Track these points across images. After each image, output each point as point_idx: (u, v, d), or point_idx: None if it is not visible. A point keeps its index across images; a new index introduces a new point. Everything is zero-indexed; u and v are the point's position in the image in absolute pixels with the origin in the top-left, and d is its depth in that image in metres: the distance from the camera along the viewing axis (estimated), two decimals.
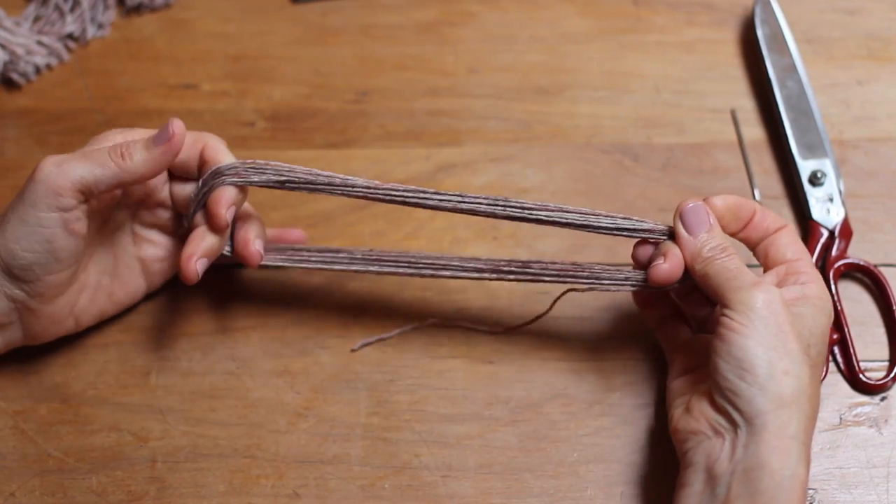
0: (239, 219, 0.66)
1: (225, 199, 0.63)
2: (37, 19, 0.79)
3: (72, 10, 0.79)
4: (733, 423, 0.56)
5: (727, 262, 0.59)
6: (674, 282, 0.61)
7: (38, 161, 0.61)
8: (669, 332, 0.65)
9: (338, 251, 0.66)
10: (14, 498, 0.64)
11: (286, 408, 0.66)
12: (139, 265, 0.67)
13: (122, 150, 0.62)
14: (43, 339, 0.65)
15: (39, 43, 0.78)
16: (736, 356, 0.56)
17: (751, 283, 0.58)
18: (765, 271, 0.62)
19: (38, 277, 0.62)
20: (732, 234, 0.63)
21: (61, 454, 0.65)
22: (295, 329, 0.69)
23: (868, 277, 0.70)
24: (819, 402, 0.58)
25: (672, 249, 0.61)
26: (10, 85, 0.78)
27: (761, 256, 0.62)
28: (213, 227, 0.63)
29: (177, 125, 0.62)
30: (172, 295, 0.70)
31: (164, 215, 0.66)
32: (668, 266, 0.60)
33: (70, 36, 0.79)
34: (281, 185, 0.63)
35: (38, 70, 0.78)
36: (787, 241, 0.62)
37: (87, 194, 0.61)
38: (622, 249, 0.71)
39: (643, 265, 0.62)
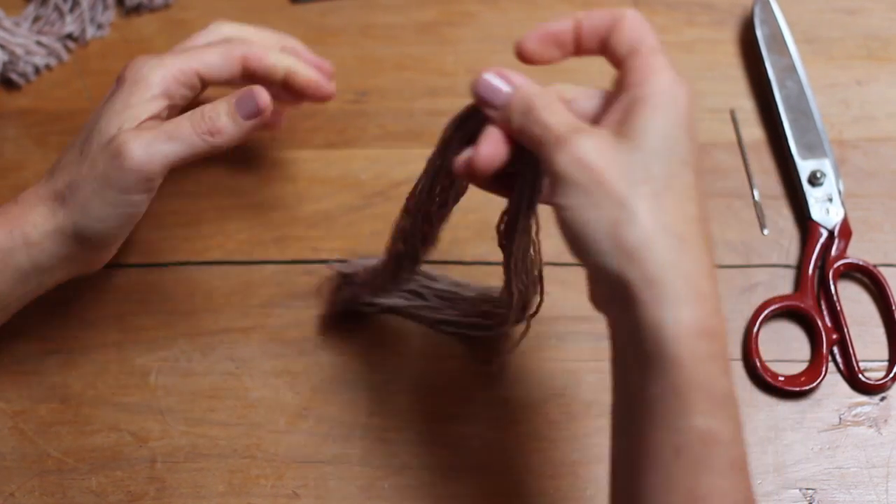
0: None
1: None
2: (36, 19, 0.79)
3: (71, 10, 0.79)
4: (615, 298, 0.48)
5: (533, 122, 0.49)
6: (498, 164, 0.52)
7: (119, 138, 0.59)
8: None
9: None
10: (14, 498, 0.64)
11: (286, 408, 0.66)
12: None
13: (211, 128, 0.60)
14: (95, 269, 0.65)
15: (39, 43, 0.78)
16: (569, 239, 0.48)
17: (553, 143, 0.48)
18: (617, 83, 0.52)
19: (113, 242, 0.63)
20: (564, 57, 0.55)
21: (61, 454, 0.65)
22: (295, 329, 0.69)
23: (867, 277, 0.70)
24: (710, 231, 0.48)
25: (489, 132, 0.52)
26: (10, 85, 0.78)
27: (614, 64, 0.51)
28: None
29: (263, 98, 0.61)
30: (172, 295, 0.69)
31: None
32: (486, 147, 0.51)
33: (69, 36, 0.79)
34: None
35: (37, 70, 0.78)
36: (624, 36, 0.52)
37: (173, 168, 0.61)
38: None
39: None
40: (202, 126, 0.61)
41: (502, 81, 0.53)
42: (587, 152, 0.47)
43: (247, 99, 0.62)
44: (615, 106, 0.49)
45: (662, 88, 0.48)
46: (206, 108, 0.62)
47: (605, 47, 0.52)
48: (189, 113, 0.62)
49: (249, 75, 0.65)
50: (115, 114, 0.61)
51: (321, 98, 0.68)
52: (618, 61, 0.51)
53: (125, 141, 0.59)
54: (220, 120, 0.61)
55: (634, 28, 0.51)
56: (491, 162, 0.51)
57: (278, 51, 0.67)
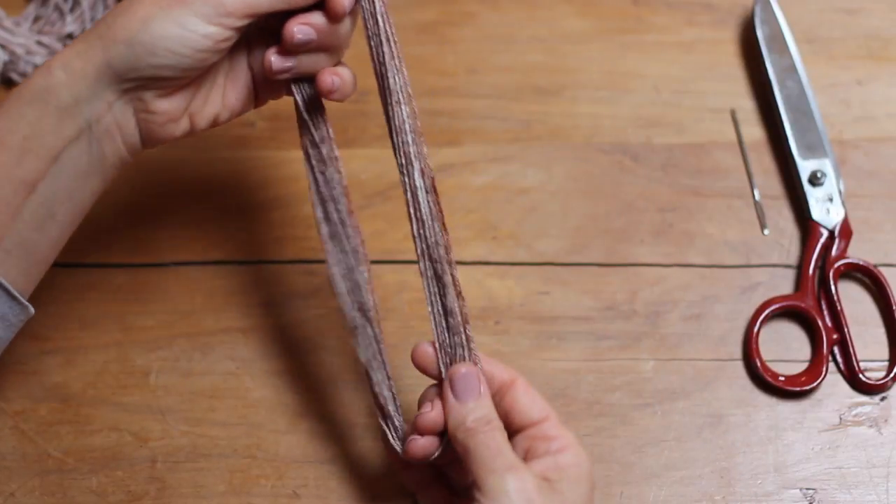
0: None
1: None
2: (37, 19, 0.79)
3: (72, 10, 0.79)
4: None
5: (488, 437, 0.55)
6: (431, 455, 0.57)
7: None
8: (432, 496, 0.61)
9: None
10: (14, 498, 0.64)
11: (286, 408, 0.66)
12: (249, 71, 0.62)
13: None
14: (160, 141, 0.60)
15: (39, 43, 0.78)
16: None
17: (506, 466, 0.53)
18: (510, 437, 0.56)
19: (167, 78, 0.57)
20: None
21: (61, 454, 0.65)
22: (295, 329, 0.69)
23: (868, 277, 0.70)
24: None
25: (430, 419, 0.57)
26: (10, 85, 0.78)
27: (502, 417, 0.57)
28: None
29: None
30: (172, 295, 0.70)
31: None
32: (424, 442, 0.57)
33: (70, 36, 0.79)
34: None
35: None
36: (528, 400, 0.57)
37: (252, 17, 0.57)
38: (622, 249, 0.71)
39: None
40: None
41: (477, 386, 0.57)
42: (532, 487, 0.53)
43: None
44: (541, 460, 0.56)
45: (577, 463, 0.56)
46: None
47: (507, 407, 0.58)
48: None
49: None
50: None
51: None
52: (520, 423, 0.57)
53: None
54: None
55: (533, 393, 0.58)
56: (426, 453, 0.58)
57: None
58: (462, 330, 0.58)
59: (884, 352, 0.68)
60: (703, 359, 0.68)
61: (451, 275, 0.59)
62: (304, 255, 0.71)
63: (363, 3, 0.61)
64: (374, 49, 0.61)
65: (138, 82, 0.57)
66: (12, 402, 0.66)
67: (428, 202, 0.59)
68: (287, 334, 0.69)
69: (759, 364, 0.67)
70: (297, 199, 0.73)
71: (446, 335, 0.59)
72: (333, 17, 0.59)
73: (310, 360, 0.68)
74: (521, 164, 0.74)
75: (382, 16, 0.61)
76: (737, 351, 0.68)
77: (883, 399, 0.67)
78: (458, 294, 0.59)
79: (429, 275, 0.59)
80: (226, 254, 0.71)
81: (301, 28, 0.58)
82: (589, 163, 0.75)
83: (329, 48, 0.60)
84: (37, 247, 0.58)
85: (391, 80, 0.61)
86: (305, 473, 0.65)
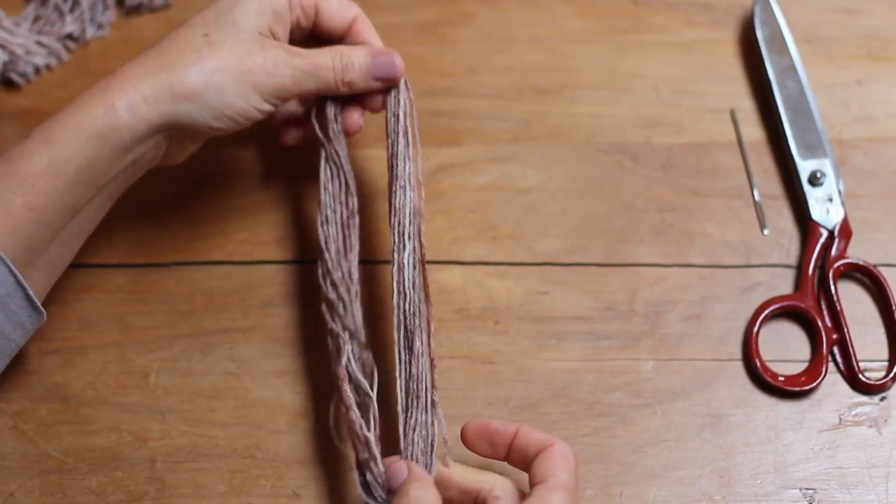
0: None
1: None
2: (36, 19, 0.79)
3: (71, 10, 0.79)
4: None
5: None
6: None
7: (274, 49, 0.62)
8: None
9: None
10: (13, 498, 0.64)
11: (286, 408, 0.66)
12: None
13: (346, 77, 0.64)
14: (168, 166, 0.66)
15: (39, 43, 0.78)
16: None
17: None
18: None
19: (214, 131, 0.63)
20: (493, 458, 0.60)
21: (61, 454, 0.65)
22: (295, 329, 0.69)
23: (867, 277, 0.70)
24: None
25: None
26: (10, 85, 0.78)
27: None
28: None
29: (399, 65, 0.65)
30: (171, 296, 0.70)
31: None
32: None
33: (69, 36, 0.79)
34: None
35: (37, 70, 0.78)
36: (543, 465, 0.57)
37: (300, 97, 0.66)
38: (622, 249, 0.71)
39: None
40: (340, 72, 0.63)
41: (408, 470, 0.58)
42: None
43: (386, 61, 0.64)
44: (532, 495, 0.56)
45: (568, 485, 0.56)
46: (345, 51, 0.64)
47: (526, 465, 0.59)
48: (331, 52, 0.64)
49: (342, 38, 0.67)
50: (251, 10, 0.62)
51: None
52: (531, 482, 0.58)
53: (282, 62, 0.62)
54: (353, 72, 0.64)
55: (555, 461, 0.57)
56: None
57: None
58: (427, 398, 0.61)
59: (883, 352, 0.68)
60: (702, 359, 0.68)
61: (428, 344, 0.62)
62: (304, 255, 0.71)
63: (389, 103, 0.66)
64: (390, 143, 0.66)
65: (190, 132, 0.62)
66: (12, 402, 0.66)
67: (413, 277, 0.63)
68: (287, 334, 0.69)
69: (758, 364, 0.67)
70: (297, 199, 0.73)
71: (411, 408, 0.61)
72: (368, 110, 0.68)
73: (310, 361, 0.68)
74: (520, 164, 0.75)
75: (406, 115, 0.66)
76: (736, 351, 0.68)
77: (882, 399, 0.67)
78: (432, 365, 0.61)
79: (401, 344, 0.61)
80: (226, 254, 0.71)
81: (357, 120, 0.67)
82: (589, 163, 0.75)
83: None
84: (61, 259, 0.62)
85: (400, 168, 0.65)
86: (305, 473, 0.65)
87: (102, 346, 0.68)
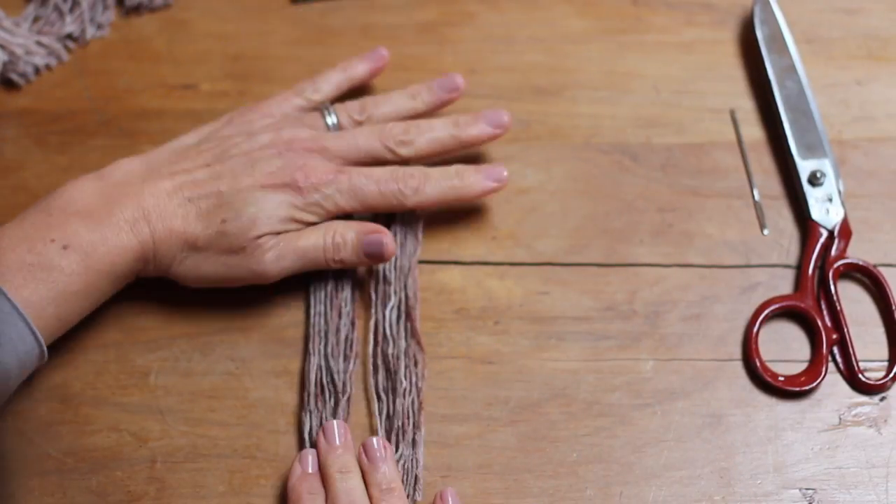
0: None
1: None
2: (36, 19, 0.79)
3: (71, 10, 0.79)
4: None
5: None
6: None
7: (261, 242, 0.65)
8: None
9: None
10: (14, 498, 0.64)
11: (286, 408, 0.66)
12: None
13: (336, 257, 0.66)
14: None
15: (39, 43, 0.78)
16: None
17: None
18: None
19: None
20: None
21: (60, 454, 0.65)
22: (294, 329, 0.69)
23: (867, 277, 0.70)
24: None
25: None
26: (10, 85, 0.78)
27: None
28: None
29: (389, 247, 0.66)
30: (172, 295, 0.69)
31: None
32: None
33: (69, 36, 0.79)
34: None
35: (37, 70, 0.78)
36: None
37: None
38: (622, 249, 0.71)
39: None
40: (331, 252, 0.65)
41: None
42: None
43: (376, 242, 0.66)
44: None
45: None
46: (338, 229, 0.66)
47: None
48: (323, 230, 0.66)
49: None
50: (260, 202, 0.65)
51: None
52: None
53: (265, 248, 0.65)
54: (345, 251, 0.66)
55: None
56: None
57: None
58: (412, 435, 0.64)
59: (883, 352, 0.68)
60: (702, 359, 0.68)
61: (417, 385, 0.66)
62: None
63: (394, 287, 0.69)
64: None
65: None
66: (12, 403, 0.66)
67: (393, 324, 0.68)
68: (287, 334, 0.69)
69: (758, 364, 0.67)
70: None
71: (399, 442, 0.64)
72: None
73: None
74: (520, 164, 0.75)
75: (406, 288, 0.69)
76: (736, 351, 0.68)
77: (882, 399, 0.67)
78: (420, 406, 0.65)
79: (380, 386, 0.66)
80: None
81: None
82: (588, 163, 0.75)
83: None
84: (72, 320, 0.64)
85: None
86: None
87: (102, 345, 0.68)
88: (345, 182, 0.66)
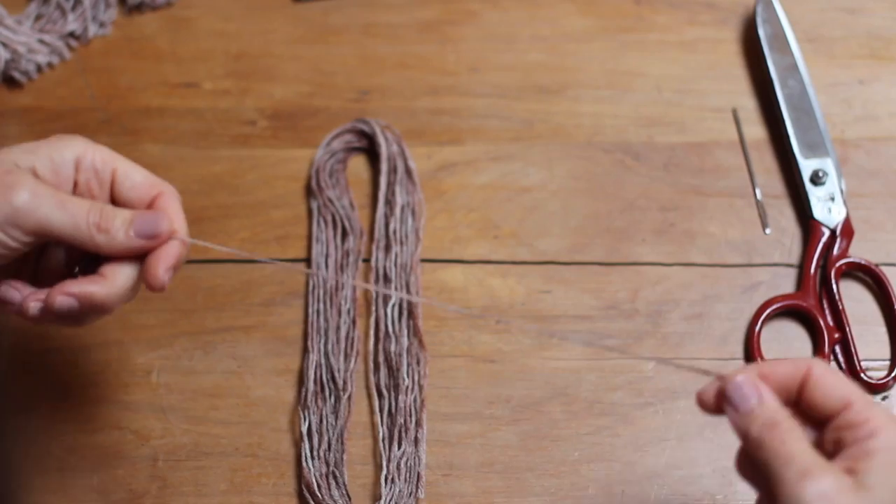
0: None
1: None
2: (38, 18, 0.79)
3: (73, 8, 0.79)
4: None
5: (776, 444, 0.50)
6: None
7: (16, 175, 0.56)
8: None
9: None
10: (15, 496, 0.64)
11: (287, 406, 0.67)
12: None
13: (102, 224, 0.56)
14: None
15: (41, 41, 0.78)
16: None
17: (799, 474, 0.49)
18: (822, 429, 0.52)
19: None
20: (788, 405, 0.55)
21: (62, 452, 0.65)
22: (296, 328, 0.69)
23: (869, 277, 0.70)
24: None
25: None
26: (12, 83, 0.78)
27: (805, 413, 0.52)
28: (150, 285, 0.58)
29: (164, 226, 0.57)
30: (172, 294, 0.70)
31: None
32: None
33: (72, 34, 0.79)
34: None
35: (39, 69, 0.78)
36: (821, 392, 0.52)
37: (42, 237, 0.56)
38: (624, 248, 0.71)
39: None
40: (95, 216, 0.57)
41: (754, 392, 0.52)
42: (831, 490, 0.48)
43: (149, 220, 0.57)
44: (848, 451, 0.50)
45: (890, 444, 0.50)
46: (108, 206, 0.58)
47: (799, 401, 0.53)
48: (90, 200, 0.58)
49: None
50: (27, 149, 0.58)
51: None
52: (824, 415, 0.52)
53: (21, 183, 0.56)
54: (114, 222, 0.57)
55: (830, 380, 0.52)
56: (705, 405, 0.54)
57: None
58: (414, 432, 0.64)
59: (885, 351, 0.68)
60: (704, 358, 0.68)
61: (419, 383, 0.66)
62: (305, 253, 0.71)
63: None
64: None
65: None
66: (13, 402, 0.66)
67: (395, 321, 0.68)
68: (289, 332, 0.69)
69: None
70: (298, 198, 0.73)
71: (401, 439, 0.64)
72: (150, 287, 0.58)
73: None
74: (522, 163, 0.74)
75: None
76: (738, 350, 0.68)
77: (884, 398, 0.67)
78: (423, 404, 0.65)
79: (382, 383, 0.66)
80: (227, 252, 0.71)
81: (64, 299, 0.57)
82: (590, 162, 0.75)
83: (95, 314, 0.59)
84: None
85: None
86: None
87: (104, 344, 0.68)
88: None
